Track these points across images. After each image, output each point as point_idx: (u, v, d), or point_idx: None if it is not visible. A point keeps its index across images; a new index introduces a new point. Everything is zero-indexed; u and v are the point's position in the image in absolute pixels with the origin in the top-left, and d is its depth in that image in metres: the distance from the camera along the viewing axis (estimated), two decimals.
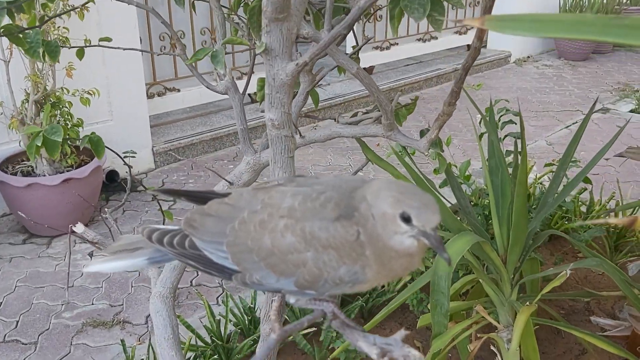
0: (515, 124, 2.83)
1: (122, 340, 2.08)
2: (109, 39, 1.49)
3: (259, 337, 2.22)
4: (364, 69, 5.56)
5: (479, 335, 1.38)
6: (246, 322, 2.32)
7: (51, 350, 2.33)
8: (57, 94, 3.09)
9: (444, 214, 1.38)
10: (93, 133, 1.40)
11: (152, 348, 2.05)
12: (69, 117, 3.14)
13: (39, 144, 1.21)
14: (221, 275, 0.74)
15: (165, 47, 4.39)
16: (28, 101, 3.01)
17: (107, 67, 3.65)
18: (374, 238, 0.65)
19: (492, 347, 1.36)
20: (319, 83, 1.52)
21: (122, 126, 3.81)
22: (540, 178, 3.18)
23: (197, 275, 2.85)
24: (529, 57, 7.56)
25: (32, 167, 3.15)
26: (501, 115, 2.97)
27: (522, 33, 0.41)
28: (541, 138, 4.69)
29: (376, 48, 6.20)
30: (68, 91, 3.14)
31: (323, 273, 0.67)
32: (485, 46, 7.52)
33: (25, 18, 1.19)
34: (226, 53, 4.49)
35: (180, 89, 4.57)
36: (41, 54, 1.16)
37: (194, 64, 1.31)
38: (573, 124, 5.00)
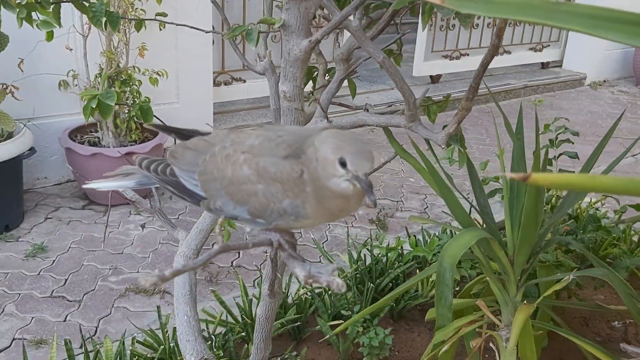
0: (573, 143, 2.78)
1: (158, 307, 2.19)
2: (164, 14, 1.58)
3: (287, 320, 2.29)
4: (431, 77, 5.54)
5: (481, 331, 1.38)
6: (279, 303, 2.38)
7: (93, 310, 2.47)
8: (129, 71, 3.26)
9: (456, 210, 1.39)
10: (145, 101, 1.48)
11: None
12: (138, 94, 3.30)
13: (94, 106, 1.31)
14: (192, 200, 0.83)
15: (236, 38, 4.52)
16: (101, 75, 3.19)
17: (179, 51, 3.81)
18: (315, 178, 0.73)
19: (491, 344, 1.36)
20: (357, 74, 1.56)
21: (187, 109, 3.96)
22: (595, 203, 3.08)
23: (238, 257, 2.94)
24: (604, 81, 7.30)
25: (98, 138, 3.34)
26: (558, 133, 2.91)
27: (477, 12, 0.44)
28: (604, 164, 4.52)
29: (445, 57, 6.15)
30: (139, 70, 3.30)
31: (270, 204, 0.76)
32: (560, 66, 7.32)
33: None
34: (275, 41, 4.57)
35: (247, 79, 4.70)
36: (103, 23, 1.25)
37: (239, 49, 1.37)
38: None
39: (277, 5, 1.37)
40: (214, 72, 4.28)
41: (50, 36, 1.35)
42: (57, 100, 3.35)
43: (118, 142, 3.30)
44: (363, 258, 2.67)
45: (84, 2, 1.23)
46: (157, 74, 3.28)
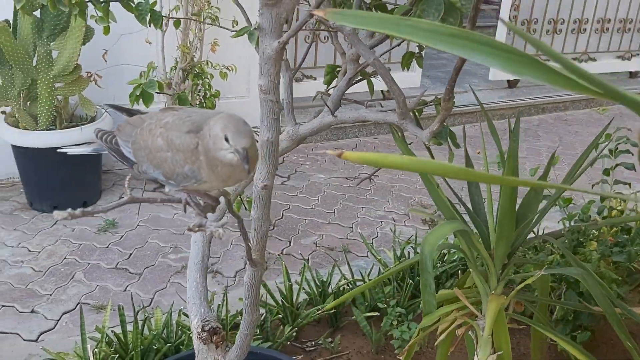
0: (632, 154, 2.70)
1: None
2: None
3: (325, 307, 2.39)
4: (508, 81, 5.45)
5: (463, 320, 1.42)
6: (316, 293, 2.49)
7: (151, 283, 2.68)
8: (202, 65, 3.48)
9: (440, 204, 1.44)
10: (215, 94, 1.64)
11: (226, 297, 2.29)
12: (209, 87, 3.51)
13: (138, 94, 1.46)
14: (127, 164, 1.03)
15: (308, 37, 4.68)
16: (176, 68, 3.42)
17: (250, 48, 3.99)
18: (208, 150, 0.89)
19: (469, 333, 1.39)
20: (376, 75, 1.63)
21: (257, 104, 4.14)
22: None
23: (289, 245, 3.08)
24: None
25: None
26: (618, 144, 2.83)
27: (348, 24, 0.53)
28: None
29: None
30: (211, 64, 3.51)
31: (176, 168, 0.93)
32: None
33: None
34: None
35: (317, 77, 4.83)
36: (147, 20, 1.41)
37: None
38: None
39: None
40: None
41: (106, 31, 1.53)
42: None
43: None
44: (407, 255, 2.72)
45: (130, 2, 1.39)
46: (227, 68, 3.47)
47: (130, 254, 2.89)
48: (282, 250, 3.04)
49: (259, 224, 1.22)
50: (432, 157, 1.41)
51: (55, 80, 3.02)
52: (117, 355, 1.99)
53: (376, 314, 2.41)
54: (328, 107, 1.40)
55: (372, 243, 3.15)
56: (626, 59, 6.70)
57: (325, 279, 2.54)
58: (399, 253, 2.74)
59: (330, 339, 2.35)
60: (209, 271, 2.80)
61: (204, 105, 3.44)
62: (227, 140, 0.88)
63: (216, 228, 0.93)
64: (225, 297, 2.29)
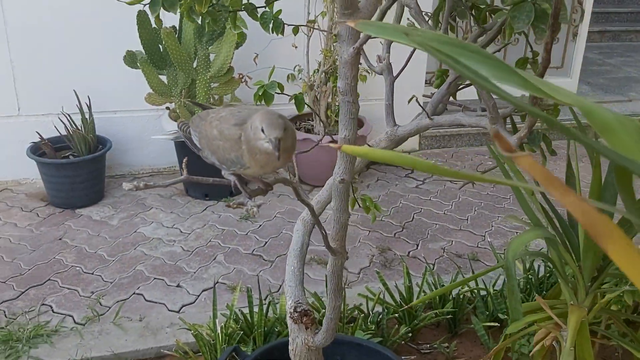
0: None
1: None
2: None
3: (442, 312, 2.40)
4: None
5: (550, 329, 1.34)
6: (437, 298, 2.50)
7: (281, 271, 2.87)
8: None
9: (526, 210, 1.38)
10: (300, 93, 1.76)
11: (346, 292, 2.39)
12: None
13: (260, 94, 1.61)
14: (195, 150, 1.20)
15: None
16: (318, 71, 3.60)
17: (393, 52, 4.06)
18: (249, 140, 1.02)
19: (554, 344, 1.31)
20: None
21: (397, 105, 4.21)
22: None
23: (417, 248, 3.10)
24: None
25: (312, 126, 3.78)
26: None
27: (372, 33, 0.58)
28: None
29: None
30: None
31: (226, 154, 1.08)
32: None
33: None
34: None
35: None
36: (270, 28, 1.55)
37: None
38: None
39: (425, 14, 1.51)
40: (427, 72, 4.45)
41: (240, 37, 1.70)
42: (285, 90, 3.87)
43: (328, 131, 3.69)
44: (536, 269, 2.62)
45: (255, 12, 1.54)
46: (367, 71, 3.58)
47: (266, 242, 3.11)
48: (408, 252, 3.07)
49: (338, 215, 1.30)
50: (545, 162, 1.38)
51: (212, 81, 3.35)
52: (242, 332, 2.17)
53: (496, 324, 2.37)
54: (423, 109, 1.44)
55: (502, 254, 3.06)
56: None
57: (446, 285, 2.54)
58: (527, 265, 2.65)
59: (446, 344, 2.36)
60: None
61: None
62: (263, 131, 1.01)
63: (252, 206, 1.10)
64: (343, 292, 2.39)
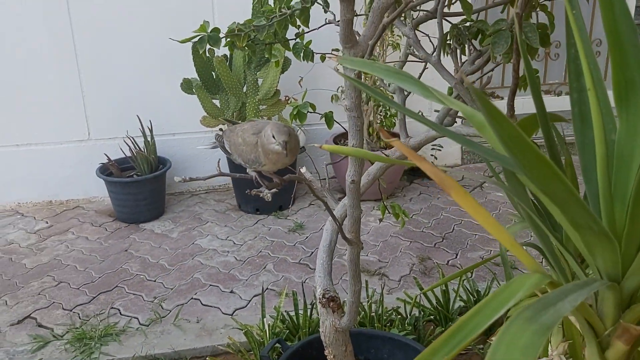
0: None
1: (366, 282, 2.66)
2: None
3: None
4: None
5: None
6: (472, 302, 2.64)
7: None
8: (381, 88, 3.82)
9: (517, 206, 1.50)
10: (330, 112, 1.96)
11: (382, 296, 2.57)
12: (389, 108, 3.85)
13: (295, 113, 1.83)
14: (228, 155, 1.53)
15: None
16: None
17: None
18: (263, 144, 1.34)
19: None
20: (495, 95, 1.77)
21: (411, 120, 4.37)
22: None
23: (455, 257, 3.24)
24: None
25: None
26: None
27: (350, 66, 0.79)
28: None
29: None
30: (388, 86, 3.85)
31: (247, 156, 1.39)
32: None
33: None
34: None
35: (504, 97, 4.88)
36: (301, 56, 1.78)
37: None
38: None
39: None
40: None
41: (277, 64, 1.93)
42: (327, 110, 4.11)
43: (369, 147, 3.89)
44: None
45: (287, 43, 1.77)
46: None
47: (312, 253, 3.32)
48: (448, 261, 3.22)
49: (351, 210, 1.49)
50: None
51: (260, 103, 3.62)
52: (288, 331, 2.39)
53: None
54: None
55: (541, 261, 3.16)
56: None
57: (482, 291, 2.68)
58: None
59: (481, 346, 2.49)
60: (376, 274, 3.11)
61: (384, 124, 3.78)
62: (274, 137, 1.36)
63: (267, 193, 1.39)
64: (381, 296, 2.57)
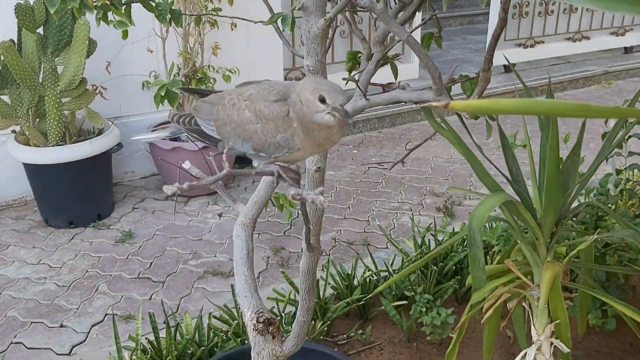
0: None
1: (232, 286, 2.35)
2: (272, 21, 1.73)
3: (353, 300, 2.40)
4: (504, 66, 5.45)
5: (515, 290, 1.42)
6: (342, 287, 2.49)
7: (175, 290, 2.68)
8: (204, 70, 3.48)
9: (484, 178, 1.45)
10: (168, 89, 1.63)
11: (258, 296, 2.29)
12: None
13: (162, 94, 1.46)
14: (210, 143, 1.03)
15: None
16: (179, 75, 3.42)
17: (250, 50, 4.00)
18: (301, 116, 0.90)
19: (523, 304, 1.39)
20: (398, 57, 1.63)
21: None
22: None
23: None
24: None
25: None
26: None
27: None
28: None
29: (519, 45, 6.04)
30: (213, 68, 3.52)
31: (267, 139, 0.93)
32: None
33: None
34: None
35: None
36: (168, 20, 1.41)
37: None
38: None
39: None
40: (285, 69, 4.44)
41: (125, 35, 1.53)
42: (141, 99, 3.63)
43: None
44: (427, 243, 2.73)
45: (151, 2, 1.39)
46: (230, 71, 3.48)
47: (151, 263, 2.88)
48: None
49: (314, 207, 1.22)
50: (468, 132, 1.41)
51: (62, 95, 3.02)
52: None
53: (404, 302, 2.42)
54: (360, 89, 1.40)
55: (390, 234, 3.15)
56: (620, 35, 6.72)
57: (349, 272, 2.55)
58: (419, 241, 2.75)
59: (361, 331, 2.35)
60: (232, 274, 2.80)
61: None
62: (322, 101, 0.88)
63: (315, 196, 0.92)
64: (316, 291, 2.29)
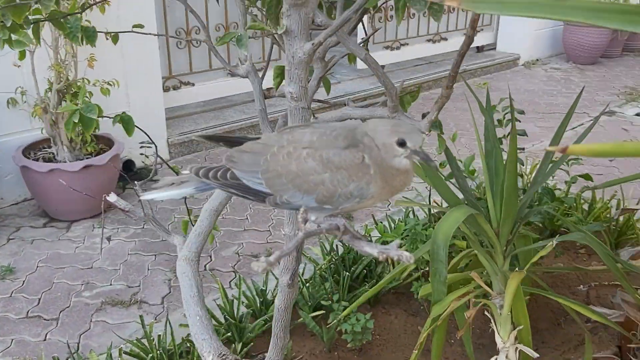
0: (520, 121, 2.94)
1: (141, 317, 2.20)
2: (141, 26, 1.60)
3: (270, 317, 2.34)
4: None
5: (475, 300, 1.48)
6: (258, 303, 2.43)
7: (72, 326, 2.45)
8: (79, 84, 3.21)
9: (444, 191, 1.49)
10: (124, 112, 1.51)
11: (170, 324, 2.16)
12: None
13: (76, 121, 1.32)
14: (255, 198, 0.92)
15: (181, 42, 4.51)
16: (51, 90, 3.13)
17: (126, 60, 3.76)
18: (379, 162, 0.85)
19: (486, 313, 1.46)
20: (330, 71, 1.62)
21: (138, 117, 3.85)
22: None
23: (211, 260, 2.96)
24: (537, 60, 7.63)
25: (53, 154, 3.28)
26: (505, 113, 3.07)
27: (490, 11, 0.52)
28: (547, 139, 4.77)
29: (387, 48, 6.30)
30: (89, 81, 3.26)
31: (337, 189, 0.86)
32: (494, 48, 7.60)
33: (68, 4, 1.31)
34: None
35: (195, 83, 4.68)
36: (80, 39, 1.27)
37: (215, 57, 1.41)
38: (579, 125, 5.08)
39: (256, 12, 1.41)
40: (162, 78, 4.25)
41: (22, 55, 1.35)
42: (6, 118, 3.27)
43: (74, 156, 3.25)
44: (335, 249, 2.74)
45: (61, 20, 1.24)
46: (108, 83, 3.25)
47: (39, 299, 2.61)
48: (205, 266, 2.92)
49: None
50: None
51: None
52: None
53: (321, 312, 2.41)
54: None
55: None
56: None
57: (262, 287, 2.48)
58: (327, 247, 2.76)
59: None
60: (133, 303, 2.62)
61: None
62: (401, 145, 0.83)
63: (400, 251, 0.85)
64: (168, 326, 2.16)
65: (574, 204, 2.81)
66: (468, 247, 1.73)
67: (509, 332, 1.31)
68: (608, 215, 3.12)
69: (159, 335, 2.18)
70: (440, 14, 1.11)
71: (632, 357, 1.62)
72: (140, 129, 1.86)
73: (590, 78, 6.82)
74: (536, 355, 1.34)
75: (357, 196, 0.87)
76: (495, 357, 1.36)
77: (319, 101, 1.55)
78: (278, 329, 1.27)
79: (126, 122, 1.47)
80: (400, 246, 0.82)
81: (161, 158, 1.91)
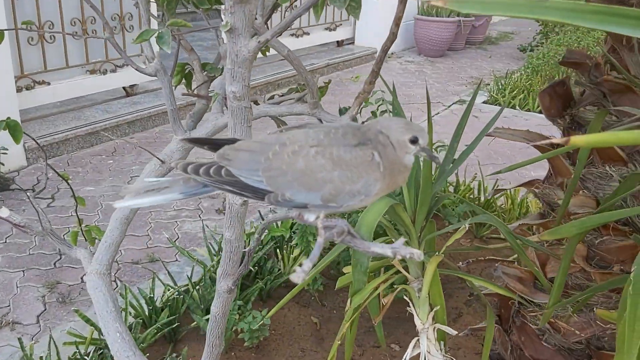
0: (392, 112, 3.10)
1: (20, 339, 2.02)
2: None
3: (162, 324, 2.26)
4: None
5: (394, 286, 1.56)
6: (146, 312, 2.33)
7: None
8: None
9: None
10: (9, 118, 1.38)
11: (54, 342, 2.01)
12: None
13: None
14: (254, 196, 0.90)
15: (33, 38, 4.15)
16: None
17: None
18: (391, 159, 0.86)
19: (405, 297, 1.54)
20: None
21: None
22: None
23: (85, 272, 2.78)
24: (392, 53, 8.06)
25: None
26: (379, 105, 3.23)
27: (474, 11, 0.56)
28: None
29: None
30: None
31: (345, 186, 0.86)
32: (353, 43, 7.91)
33: None
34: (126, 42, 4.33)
35: (51, 82, 4.34)
36: None
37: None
38: (436, 114, 5.46)
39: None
40: (14, 77, 3.89)
41: None
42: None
43: None
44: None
45: None
46: None
47: None
48: (81, 278, 2.74)
49: (236, 244, 1.11)
50: None
51: None
52: None
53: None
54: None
55: (177, 244, 3.03)
56: (332, 30, 7.49)
57: (150, 295, 2.39)
58: (214, 248, 2.71)
59: (176, 354, 2.24)
60: (4, 325, 2.40)
61: None
62: (413, 142, 0.86)
63: (411, 249, 0.85)
64: (52, 345, 2.00)
65: (443, 188, 3.02)
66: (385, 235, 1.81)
67: (427, 313, 1.40)
68: (472, 196, 3.41)
69: (41, 358, 2.02)
70: (359, 10, 1.13)
71: (511, 324, 1.79)
72: (29, 135, 1.69)
73: (440, 70, 7.35)
74: (454, 332, 1.44)
75: (363, 193, 0.88)
76: (416, 338, 1.44)
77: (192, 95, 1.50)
78: (214, 337, 1.23)
79: (13, 128, 1.34)
80: (408, 243, 0.84)
81: (53, 169, 1.76)
